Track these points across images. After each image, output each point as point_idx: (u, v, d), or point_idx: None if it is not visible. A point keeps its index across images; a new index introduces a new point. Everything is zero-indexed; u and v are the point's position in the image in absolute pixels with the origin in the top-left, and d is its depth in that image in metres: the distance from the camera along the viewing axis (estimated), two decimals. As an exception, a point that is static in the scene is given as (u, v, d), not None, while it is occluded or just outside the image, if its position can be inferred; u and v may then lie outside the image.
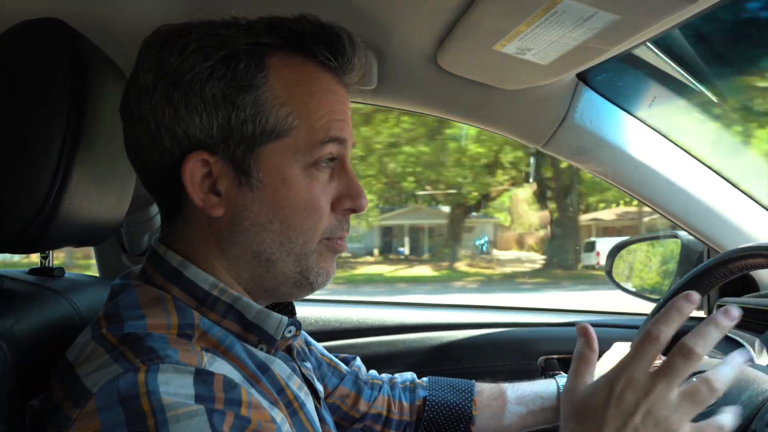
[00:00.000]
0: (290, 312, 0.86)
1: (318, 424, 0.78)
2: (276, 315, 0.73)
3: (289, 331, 0.75)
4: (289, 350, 0.83)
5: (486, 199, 13.93)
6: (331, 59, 0.72)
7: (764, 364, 1.11)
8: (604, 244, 14.08)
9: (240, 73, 0.68)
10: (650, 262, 1.71)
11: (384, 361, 1.44)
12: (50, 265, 0.96)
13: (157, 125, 0.69)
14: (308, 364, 0.89)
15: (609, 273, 1.70)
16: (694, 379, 0.92)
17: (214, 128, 0.68)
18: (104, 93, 0.79)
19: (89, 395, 0.57)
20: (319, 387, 0.88)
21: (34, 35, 0.74)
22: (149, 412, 0.54)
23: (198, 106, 0.68)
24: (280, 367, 0.74)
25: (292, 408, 0.73)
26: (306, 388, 0.79)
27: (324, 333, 1.47)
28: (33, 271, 0.93)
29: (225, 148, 0.69)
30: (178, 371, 0.59)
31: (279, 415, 0.67)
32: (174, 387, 0.57)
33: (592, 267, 13.00)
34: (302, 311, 1.47)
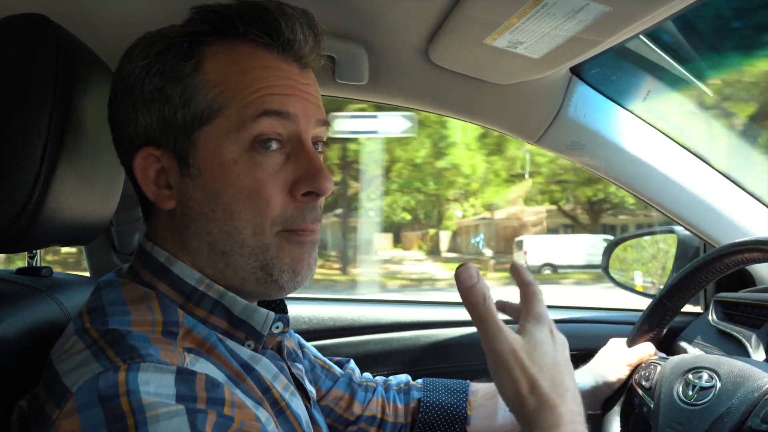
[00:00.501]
0: (281, 310, 0.86)
1: (307, 424, 0.77)
2: (263, 310, 0.73)
3: (277, 327, 0.75)
4: (279, 349, 0.83)
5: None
6: (262, 36, 0.69)
7: (761, 359, 1.10)
8: (532, 243, 14.25)
9: (169, 65, 0.69)
10: (646, 258, 1.70)
11: (379, 359, 1.43)
12: (38, 264, 0.95)
13: (117, 128, 0.73)
14: (300, 365, 0.88)
15: (605, 269, 1.70)
16: (705, 374, 0.92)
17: (154, 122, 0.69)
18: (89, 90, 0.78)
19: (69, 394, 0.56)
20: (310, 388, 0.87)
21: (17, 31, 0.73)
22: (129, 412, 0.53)
23: (139, 104, 0.69)
24: (265, 366, 0.73)
25: (279, 407, 0.72)
26: (293, 388, 0.78)
27: (318, 331, 1.46)
28: (20, 271, 0.92)
29: (166, 140, 0.70)
30: (159, 370, 0.58)
31: (264, 415, 0.66)
32: (155, 386, 0.56)
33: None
34: (295, 309, 1.46)
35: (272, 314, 0.73)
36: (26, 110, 0.70)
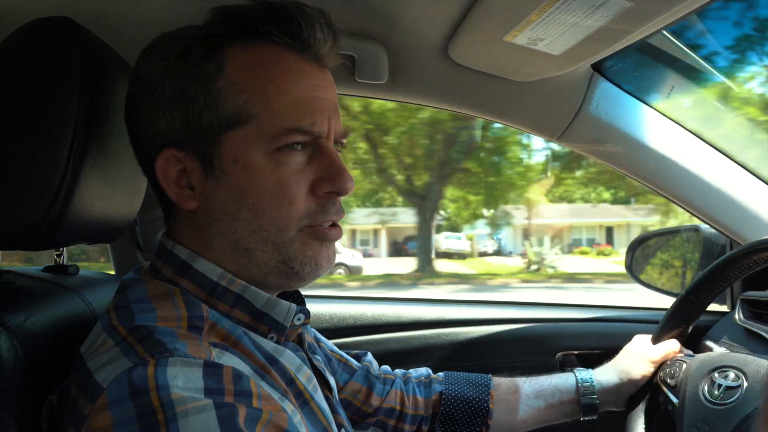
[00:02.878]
0: (299, 302, 0.86)
1: (329, 414, 0.77)
2: (285, 302, 0.74)
3: (299, 319, 0.76)
4: (299, 341, 0.83)
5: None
6: (283, 36, 0.70)
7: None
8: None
9: (191, 65, 0.69)
10: (671, 256, 1.68)
11: (399, 357, 1.43)
12: (64, 262, 0.97)
13: (136, 129, 0.73)
14: (319, 357, 0.89)
15: (629, 268, 1.67)
16: (731, 373, 0.90)
17: (177, 123, 0.70)
18: (114, 91, 0.80)
19: (100, 390, 0.57)
20: (331, 378, 0.88)
21: (44, 34, 0.74)
22: (159, 408, 0.55)
23: (161, 104, 0.70)
24: (289, 358, 0.75)
25: (303, 399, 0.73)
26: (315, 381, 0.79)
27: (338, 330, 1.46)
28: (47, 269, 0.94)
29: (190, 142, 0.70)
30: (187, 364, 0.59)
31: (290, 407, 0.67)
32: (183, 380, 0.57)
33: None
34: (316, 308, 1.47)
35: (294, 306, 0.75)
36: (53, 112, 0.71)
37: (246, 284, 0.72)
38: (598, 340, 1.45)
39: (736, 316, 1.27)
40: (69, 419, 0.61)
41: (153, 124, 0.71)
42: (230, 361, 0.65)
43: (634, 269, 1.67)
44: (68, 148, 0.71)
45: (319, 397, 0.77)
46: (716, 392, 0.90)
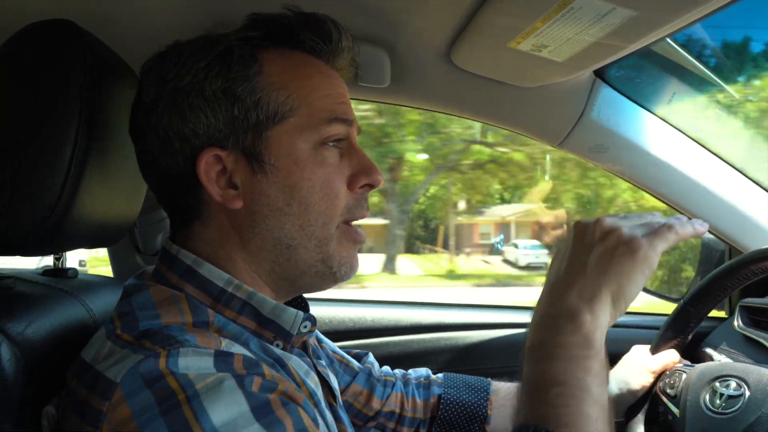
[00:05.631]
0: (304, 308, 0.86)
1: (333, 423, 0.77)
2: (292, 310, 0.74)
3: (305, 327, 0.76)
4: (304, 348, 0.83)
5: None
6: (318, 43, 0.76)
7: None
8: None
9: (235, 66, 0.71)
10: (670, 262, 1.68)
11: (398, 361, 1.42)
12: (63, 266, 0.96)
13: (165, 131, 0.71)
14: (323, 362, 0.88)
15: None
16: (733, 382, 0.90)
17: (220, 122, 0.71)
18: (116, 94, 0.79)
19: (114, 386, 0.57)
20: (335, 385, 0.88)
21: (45, 37, 0.74)
22: (178, 389, 0.55)
23: (201, 104, 0.70)
24: (296, 363, 0.75)
25: (311, 403, 0.72)
26: (321, 388, 0.79)
27: (338, 333, 1.46)
28: (46, 273, 0.93)
29: (234, 140, 0.71)
30: (198, 353, 0.59)
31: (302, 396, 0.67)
32: (195, 366, 0.58)
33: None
34: (316, 311, 1.43)
35: (301, 313, 0.75)
36: (54, 116, 0.70)
37: (252, 291, 0.72)
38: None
39: (735, 323, 1.27)
40: (84, 420, 0.60)
41: (190, 125, 0.71)
42: (241, 350, 0.65)
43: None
44: (70, 153, 0.70)
45: (325, 405, 0.77)
46: (718, 401, 0.90)
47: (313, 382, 0.76)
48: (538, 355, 0.62)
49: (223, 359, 0.60)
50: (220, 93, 0.70)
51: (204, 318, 0.68)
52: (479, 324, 1.48)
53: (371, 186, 0.78)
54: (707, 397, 0.93)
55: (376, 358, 1.13)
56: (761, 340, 1.18)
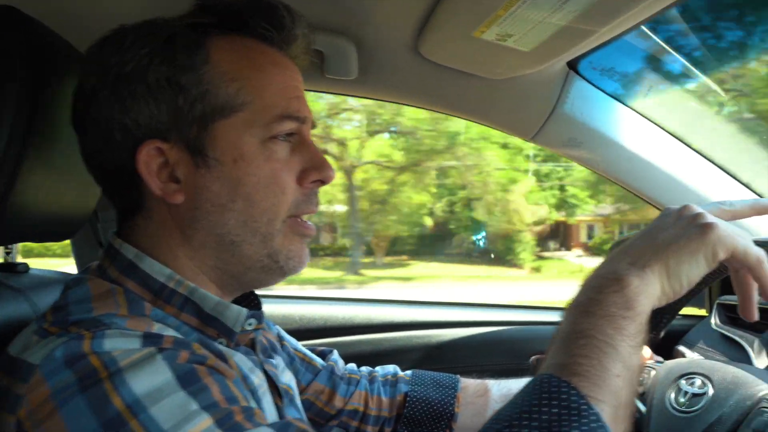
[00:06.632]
0: (256, 305, 0.84)
1: (275, 419, 0.75)
2: (235, 307, 0.71)
3: (250, 324, 0.74)
4: (252, 345, 0.81)
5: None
6: (270, 30, 0.73)
7: (763, 365, 1.06)
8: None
9: (179, 54, 0.68)
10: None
11: (370, 360, 1.38)
12: (14, 260, 0.94)
13: (107, 122, 0.68)
14: (274, 361, 0.86)
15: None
16: (698, 380, 0.88)
17: (163, 113, 0.67)
18: (64, 82, 0.76)
19: (33, 368, 0.55)
20: (288, 384, 0.85)
21: None
22: (101, 367, 0.53)
23: (144, 93, 0.67)
24: (241, 359, 0.72)
25: (253, 400, 0.70)
26: (266, 386, 0.76)
27: (308, 331, 1.44)
28: None
29: (177, 132, 0.68)
30: (125, 335, 0.57)
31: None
32: (121, 346, 0.56)
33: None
34: (286, 309, 1.44)
35: (245, 311, 0.72)
36: None
37: (194, 287, 0.70)
38: None
39: (713, 321, 1.25)
40: (3, 409, 0.57)
41: (131, 115, 0.67)
42: (173, 333, 0.62)
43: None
44: (5, 141, 0.68)
45: (267, 403, 0.74)
46: (682, 399, 0.88)
47: (259, 378, 0.74)
48: (576, 310, 0.60)
49: (151, 340, 0.58)
50: (164, 82, 0.67)
51: (140, 312, 0.66)
52: (452, 322, 1.45)
53: (322, 182, 0.75)
54: (672, 395, 0.90)
55: (348, 356, 1.11)
56: (736, 338, 1.16)
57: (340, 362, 1.07)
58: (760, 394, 0.79)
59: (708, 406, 0.84)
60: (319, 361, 1.04)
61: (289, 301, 1.53)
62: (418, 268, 11.55)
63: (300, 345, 1.04)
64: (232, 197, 0.69)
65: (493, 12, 0.91)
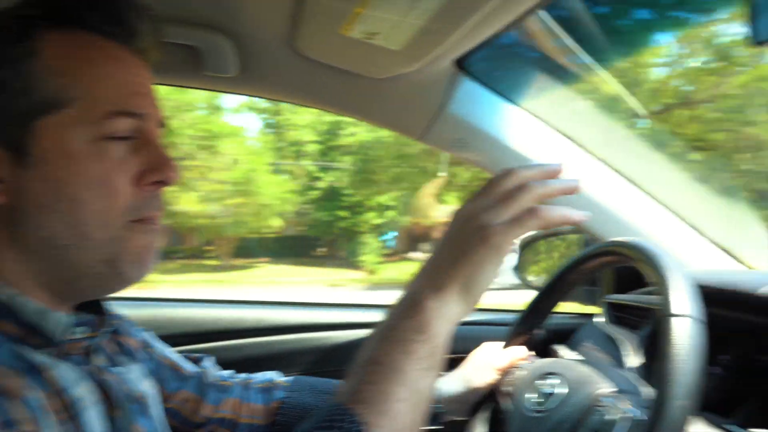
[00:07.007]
0: (97, 311, 0.80)
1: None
2: (58, 315, 0.67)
3: (82, 332, 0.70)
4: (87, 354, 0.77)
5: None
6: (107, 24, 0.68)
7: (637, 363, 1.07)
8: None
9: (1, 48, 0.64)
10: (552, 258, 1.67)
11: (260, 364, 1.37)
12: None
13: None
14: (123, 369, 0.82)
15: (515, 268, 1.66)
16: (553, 380, 0.88)
17: None
18: None
19: None
20: (140, 391, 0.81)
21: None
22: None
23: None
24: (63, 371, 0.68)
25: (67, 414, 0.66)
26: (97, 397, 0.72)
27: (195, 335, 1.39)
28: None
29: None
30: None
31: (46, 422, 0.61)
32: None
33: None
34: (170, 312, 1.39)
35: (70, 318, 0.68)
36: None
37: (15, 293, 0.66)
38: (454, 345, 1.42)
39: (597, 320, 1.26)
40: None
41: None
42: None
43: (519, 270, 1.66)
44: None
45: (92, 415, 0.70)
46: (536, 399, 0.88)
47: (85, 389, 0.70)
48: (376, 336, 0.62)
49: None
50: None
51: None
52: (348, 323, 1.43)
53: (164, 183, 0.71)
54: (530, 394, 0.90)
55: (236, 360, 1.08)
56: (617, 337, 1.17)
57: (212, 369, 1.04)
58: (597, 392, 0.79)
59: (557, 407, 0.84)
60: (189, 367, 1.00)
61: (174, 304, 1.48)
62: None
63: (170, 351, 1.00)
64: (57, 198, 0.65)
65: (354, 8, 0.90)
